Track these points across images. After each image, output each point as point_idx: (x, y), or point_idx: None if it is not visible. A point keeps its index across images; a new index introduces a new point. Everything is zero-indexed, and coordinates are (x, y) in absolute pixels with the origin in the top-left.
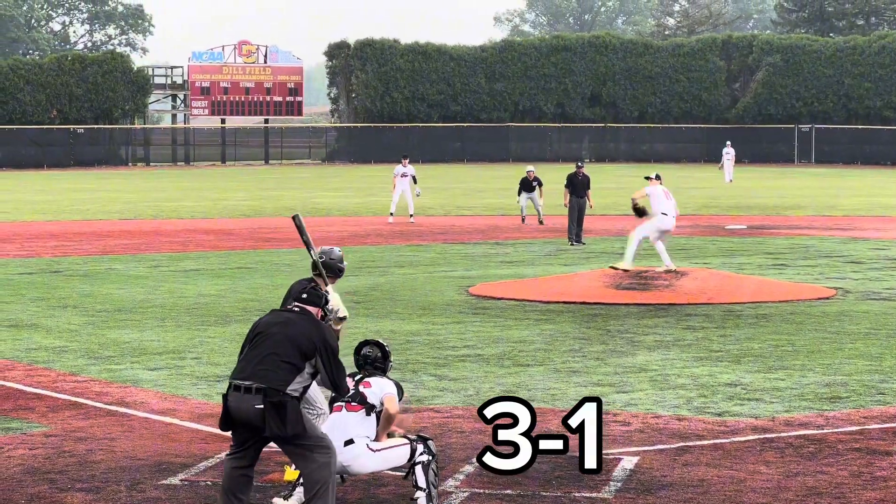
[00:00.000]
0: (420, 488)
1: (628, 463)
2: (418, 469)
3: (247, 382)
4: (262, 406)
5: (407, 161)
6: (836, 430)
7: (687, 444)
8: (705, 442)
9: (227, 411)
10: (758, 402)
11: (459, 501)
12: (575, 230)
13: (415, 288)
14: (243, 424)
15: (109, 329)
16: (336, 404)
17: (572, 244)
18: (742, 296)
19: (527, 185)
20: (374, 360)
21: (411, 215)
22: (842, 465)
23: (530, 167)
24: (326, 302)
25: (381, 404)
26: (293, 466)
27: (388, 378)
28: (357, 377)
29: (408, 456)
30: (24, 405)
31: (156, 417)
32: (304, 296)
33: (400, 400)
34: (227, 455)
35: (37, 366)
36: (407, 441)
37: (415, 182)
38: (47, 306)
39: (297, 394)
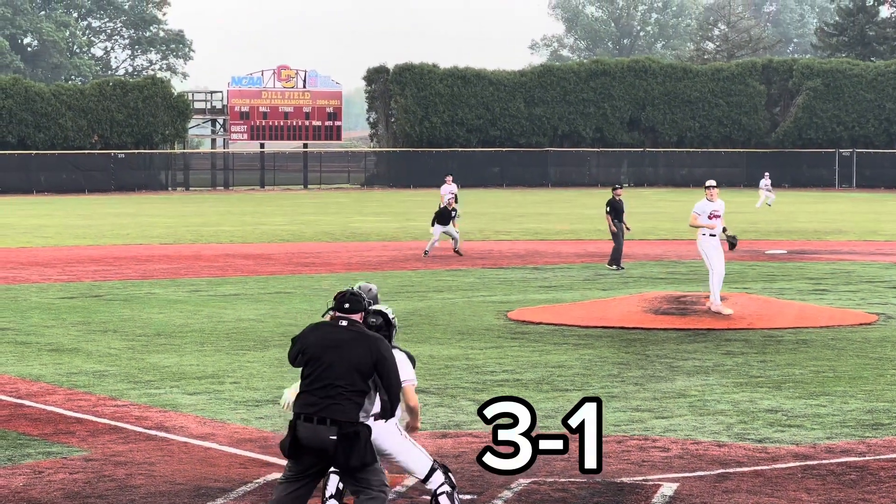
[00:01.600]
0: None
1: (668, 489)
2: (443, 499)
3: (320, 414)
4: (335, 437)
5: (450, 179)
6: (878, 457)
7: (727, 470)
8: (745, 469)
9: (297, 440)
10: (799, 429)
11: None
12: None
13: (453, 313)
14: (313, 453)
15: (149, 353)
16: None
17: (617, 268)
18: (782, 321)
19: (443, 217)
20: (378, 327)
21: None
22: (884, 492)
23: (448, 191)
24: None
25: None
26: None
27: (399, 349)
28: None
29: (427, 469)
30: (65, 429)
31: (195, 442)
32: (347, 305)
33: (413, 367)
34: (282, 480)
35: (77, 390)
36: (430, 458)
37: (455, 201)
38: (88, 330)
39: (368, 418)
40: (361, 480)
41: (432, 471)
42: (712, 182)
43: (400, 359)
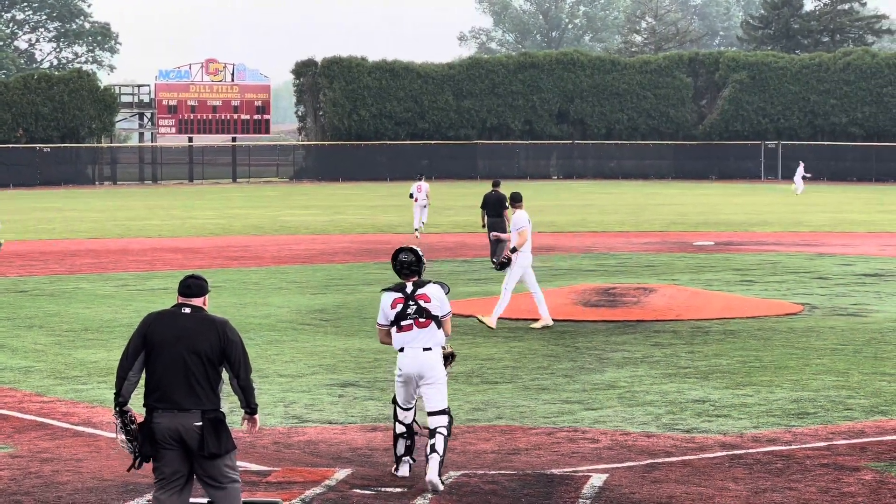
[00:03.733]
0: (438, 452)
1: (597, 480)
2: (439, 438)
3: (181, 402)
4: (200, 423)
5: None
6: (803, 445)
7: (656, 460)
8: (674, 459)
9: (153, 434)
10: (726, 419)
11: None
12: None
13: None
14: (174, 445)
15: (76, 349)
16: (404, 323)
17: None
18: (710, 312)
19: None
20: (410, 264)
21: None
22: (809, 480)
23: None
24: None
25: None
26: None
27: (433, 282)
28: (408, 288)
29: (446, 405)
30: None
31: None
32: (189, 290)
33: (447, 294)
34: (158, 489)
35: (2, 386)
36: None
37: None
38: (13, 326)
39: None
40: (221, 469)
41: (448, 411)
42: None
43: (440, 293)
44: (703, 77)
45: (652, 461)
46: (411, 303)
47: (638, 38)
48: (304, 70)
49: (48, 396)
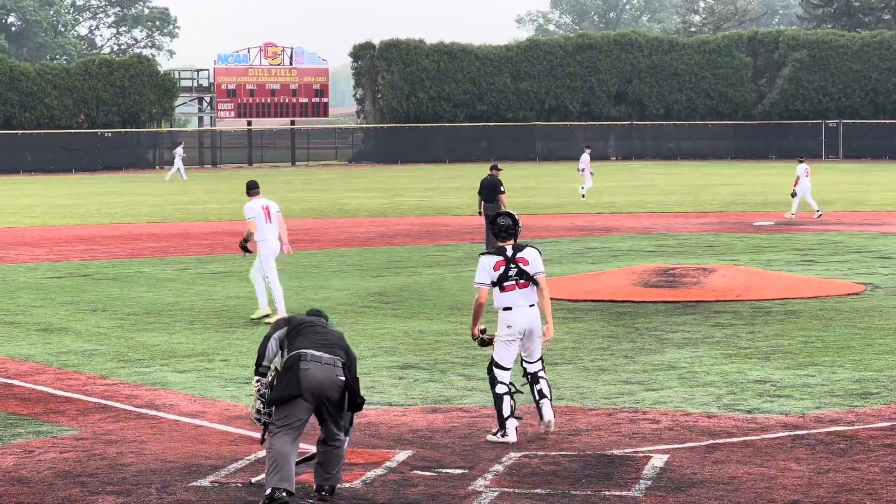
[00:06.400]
0: (547, 396)
1: (658, 461)
2: (545, 382)
3: (329, 353)
4: (343, 378)
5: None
6: (866, 426)
7: (717, 441)
8: (735, 439)
9: (298, 378)
10: (788, 399)
11: (489, 501)
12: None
13: (443, 288)
14: (315, 393)
15: (138, 332)
16: (506, 284)
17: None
18: (771, 292)
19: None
20: (508, 227)
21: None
22: (873, 461)
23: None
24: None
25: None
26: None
27: (530, 246)
28: (508, 251)
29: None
30: (55, 409)
31: (185, 420)
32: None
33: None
34: (278, 431)
35: (67, 369)
36: None
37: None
38: (77, 310)
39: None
40: (337, 425)
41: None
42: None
43: (537, 256)
44: (763, 56)
45: (713, 442)
46: (512, 265)
47: (696, 18)
48: (361, 53)
49: (111, 379)
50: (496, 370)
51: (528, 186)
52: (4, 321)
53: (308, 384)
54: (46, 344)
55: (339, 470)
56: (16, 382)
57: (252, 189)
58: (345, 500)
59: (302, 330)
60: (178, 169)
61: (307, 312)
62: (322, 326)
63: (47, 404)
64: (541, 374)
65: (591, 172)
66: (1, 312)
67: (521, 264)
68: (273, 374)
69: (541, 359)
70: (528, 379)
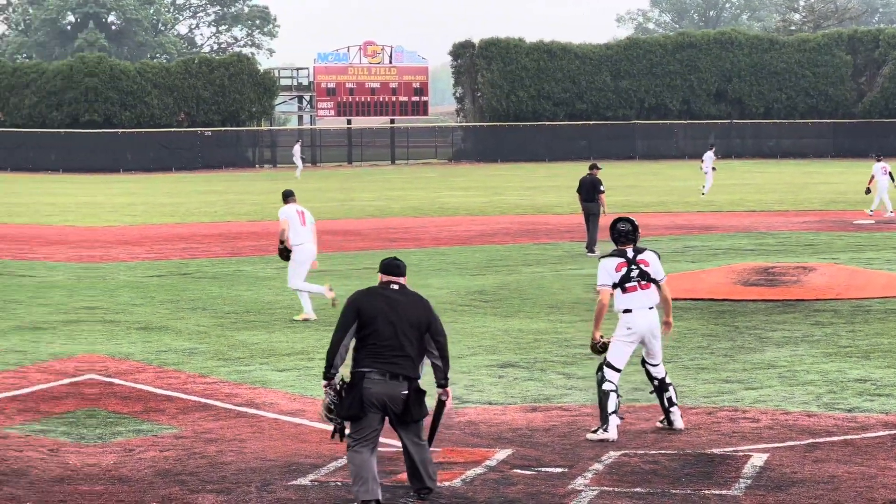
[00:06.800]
0: (677, 403)
1: (758, 460)
2: (672, 388)
3: (391, 370)
4: (406, 392)
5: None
6: None
7: (817, 440)
8: (835, 438)
9: (362, 396)
10: (888, 398)
11: (589, 499)
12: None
13: (542, 286)
14: (379, 408)
15: (238, 331)
16: (628, 285)
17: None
18: (871, 291)
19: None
20: (628, 233)
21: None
22: None
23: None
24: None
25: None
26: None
27: (649, 249)
28: (629, 253)
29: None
30: (155, 407)
31: (285, 418)
32: (395, 269)
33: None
34: (355, 445)
35: (167, 368)
36: None
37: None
38: (177, 308)
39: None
40: (415, 432)
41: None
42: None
43: (656, 259)
44: (863, 55)
45: (813, 441)
46: (634, 267)
47: (796, 17)
48: (461, 52)
49: (211, 378)
50: (607, 370)
51: (628, 185)
52: (105, 320)
53: (370, 400)
54: (147, 342)
55: (432, 472)
56: (116, 381)
57: (288, 197)
58: (445, 498)
59: (372, 332)
60: (298, 167)
61: (382, 267)
62: (395, 311)
63: (147, 403)
64: (668, 379)
65: (713, 168)
66: (102, 311)
67: (642, 266)
68: (341, 382)
69: (661, 360)
70: (654, 385)
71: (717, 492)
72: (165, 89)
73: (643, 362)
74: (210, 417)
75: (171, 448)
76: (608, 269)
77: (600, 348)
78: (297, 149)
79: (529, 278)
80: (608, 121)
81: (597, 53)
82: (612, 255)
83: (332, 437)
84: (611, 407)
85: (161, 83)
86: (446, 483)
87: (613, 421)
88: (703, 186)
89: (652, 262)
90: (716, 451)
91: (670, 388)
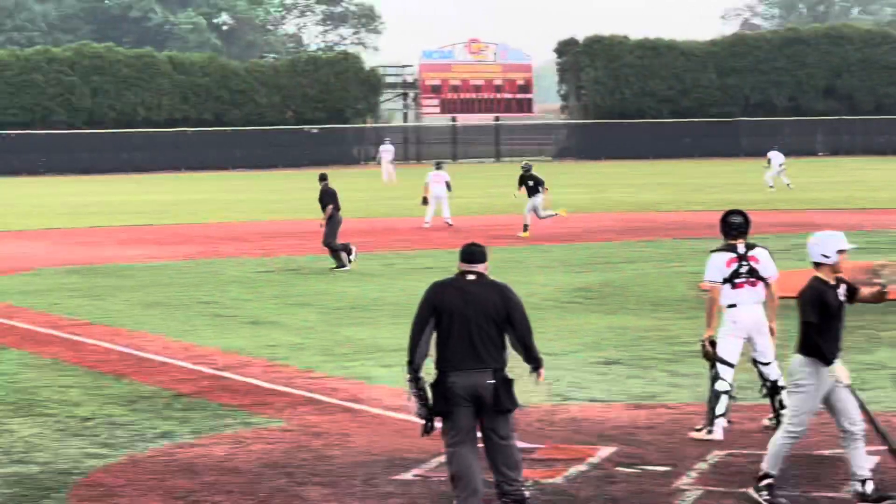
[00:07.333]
0: (779, 413)
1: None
2: (786, 394)
3: (474, 363)
4: (493, 381)
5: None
6: None
7: None
8: None
9: (449, 392)
10: None
11: (693, 499)
12: None
13: (646, 283)
14: (467, 402)
15: (344, 326)
16: (737, 281)
17: None
18: None
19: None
20: (739, 225)
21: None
22: None
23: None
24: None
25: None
26: None
27: (760, 246)
28: (740, 249)
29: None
30: (263, 401)
31: (389, 414)
32: (473, 257)
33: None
34: (453, 444)
35: (274, 362)
36: None
37: (448, 189)
38: (284, 304)
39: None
40: (509, 423)
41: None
42: None
43: (767, 256)
44: None
45: None
46: (744, 263)
47: None
48: (566, 49)
49: (317, 372)
50: (720, 366)
51: (734, 182)
52: (215, 314)
53: (458, 394)
54: (256, 337)
55: (519, 473)
56: (226, 374)
57: (323, 179)
58: (547, 495)
59: (449, 327)
60: (384, 169)
61: (461, 254)
62: (470, 305)
63: (256, 396)
64: (780, 382)
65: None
66: (212, 306)
67: (752, 262)
68: (424, 379)
69: (783, 387)
70: (766, 386)
71: (826, 494)
72: (273, 87)
73: (754, 362)
74: (316, 412)
75: (279, 441)
76: (718, 265)
77: (710, 352)
78: (385, 149)
79: (633, 275)
80: (712, 118)
81: (702, 50)
82: (721, 249)
83: (423, 434)
84: (719, 409)
85: (269, 82)
86: (548, 480)
87: (720, 423)
88: (785, 183)
89: (762, 260)
90: (825, 452)
91: (783, 392)
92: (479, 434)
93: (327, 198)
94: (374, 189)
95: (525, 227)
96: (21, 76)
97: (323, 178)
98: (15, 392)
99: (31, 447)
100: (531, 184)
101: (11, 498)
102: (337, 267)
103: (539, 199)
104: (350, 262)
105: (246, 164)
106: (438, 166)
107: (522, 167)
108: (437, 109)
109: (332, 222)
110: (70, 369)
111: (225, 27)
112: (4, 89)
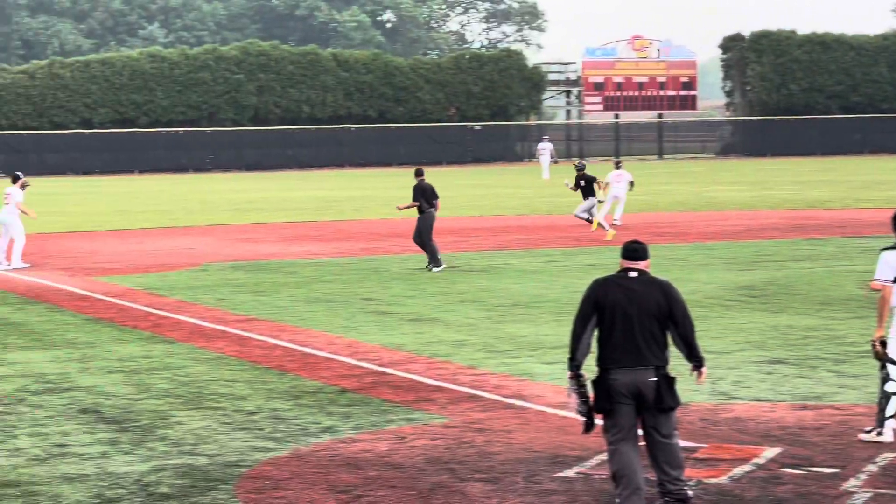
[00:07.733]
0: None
1: None
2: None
3: (636, 360)
4: (655, 379)
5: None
6: None
7: None
8: None
9: (611, 390)
10: None
11: (862, 502)
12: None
13: (813, 282)
14: (629, 399)
15: (506, 323)
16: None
17: None
18: None
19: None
20: None
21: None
22: None
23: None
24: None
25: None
26: None
27: (890, 248)
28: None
29: None
30: (426, 397)
31: (551, 411)
32: (635, 253)
33: None
34: (615, 442)
35: (437, 359)
36: None
37: (631, 187)
38: (447, 301)
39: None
40: (671, 421)
41: None
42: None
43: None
44: None
45: None
46: None
47: None
48: (731, 45)
49: (480, 369)
50: (891, 367)
51: None
52: (378, 311)
53: (620, 391)
54: (418, 333)
55: (682, 472)
56: (389, 371)
57: (419, 175)
58: (711, 495)
59: (611, 324)
60: (544, 166)
61: (622, 252)
62: (632, 302)
63: (418, 392)
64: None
65: None
66: (375, 302)
67: None
68: (585, 376)
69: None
70: None
71: None
72: (437, 84)
73: None
74: (478, 408)
75: (441, 437)
76: (890, 264)
77: (881, 352)
78: (544, 147)
79: (799, 274)
80: (884, 114)
81: (873, 45)
82: (893, 247)
83: (585, 431)
84: (890, 411)
85: (433, 79)
86: (713, 480)
87: (890, 425)
88: None
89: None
90: None
91: None
92: (640, 432)
93: (417, 193)
94: (536, 186)
95: (605, 228)
96: (189, 75)
97: (419, 173)
98: (183, 385)
99: (200, 439)
100: (583, 183)
101: (181, 489)
102: (431, 266)
103: (594, 199)
104: (434, 268)
105: (409, 160)
106: (618, 165)
107: (577, 167)
108: (600, 107)
109: (425, 219)
110: (236, 364)
111: (389, 24)
112: (173, 88)
